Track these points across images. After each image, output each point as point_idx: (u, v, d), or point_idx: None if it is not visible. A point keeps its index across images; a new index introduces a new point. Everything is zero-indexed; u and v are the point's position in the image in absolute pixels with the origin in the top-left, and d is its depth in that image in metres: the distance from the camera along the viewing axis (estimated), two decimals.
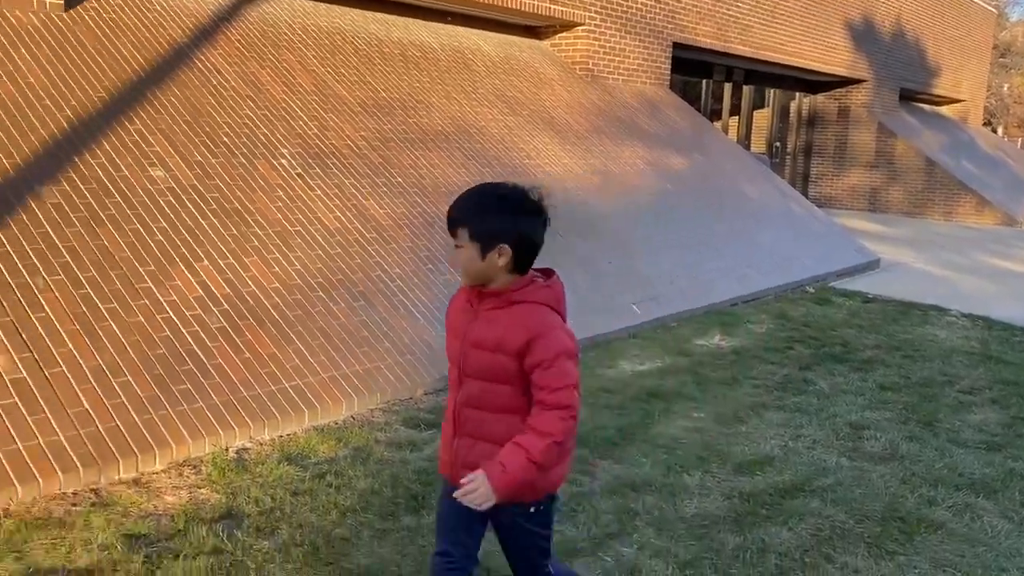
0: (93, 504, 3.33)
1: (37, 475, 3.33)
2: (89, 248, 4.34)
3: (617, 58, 10.81)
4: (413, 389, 4.82)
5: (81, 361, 3.82)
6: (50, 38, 5.49)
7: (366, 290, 5.25)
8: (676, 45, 11.88)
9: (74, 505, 3.31)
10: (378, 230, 5.81)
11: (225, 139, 5.65)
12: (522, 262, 2.08)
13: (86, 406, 3.66)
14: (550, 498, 2.21)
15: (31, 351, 3.73)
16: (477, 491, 1.98)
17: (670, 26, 11.65)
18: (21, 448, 3.38)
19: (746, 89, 16.62)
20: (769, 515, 3.61)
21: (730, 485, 3.90)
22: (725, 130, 16.40)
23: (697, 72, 14.83)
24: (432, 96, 7.86)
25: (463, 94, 8.28)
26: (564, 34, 10.47)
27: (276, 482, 3.62)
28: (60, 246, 4.26)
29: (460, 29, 9.50)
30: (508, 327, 2.05)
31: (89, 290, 4.15)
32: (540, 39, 10.66)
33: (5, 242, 4.10)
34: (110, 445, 3.58)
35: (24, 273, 4.02)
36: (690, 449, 4.30)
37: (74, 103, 5.14)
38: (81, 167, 4.78)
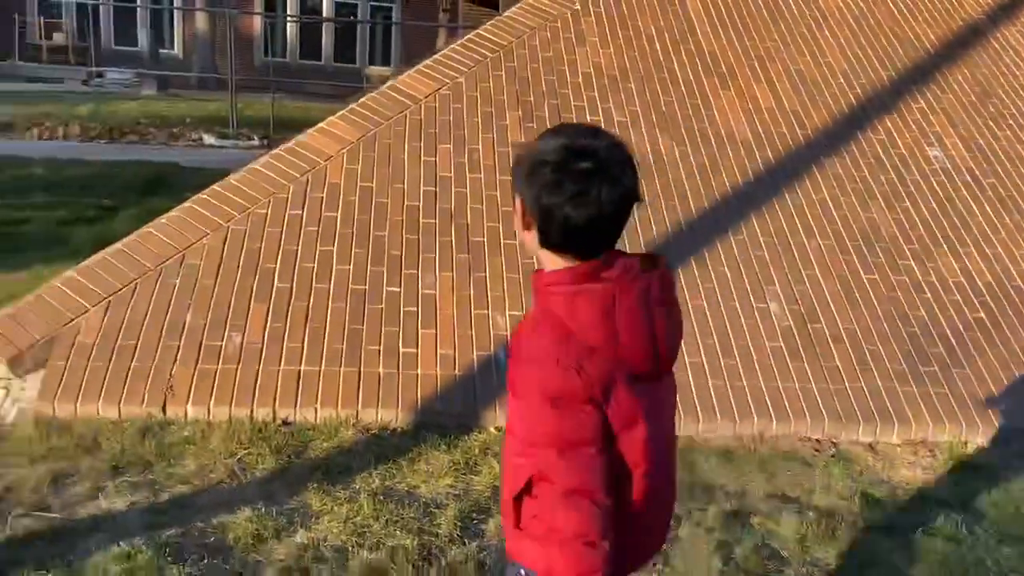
0: (833, 455, 3.58)
1: (791, 415, 3.71)
2: (859, 219, 4.57)
3: None
4: None
5: (839, 321, 4.08)
6: (850, 18, 5.83)
7: None
8: None
9: (816, 451, 3.61)
10: None
11: (1011, 121, 5.28)
12: (560, 244, 1.35)
13: (837, 363, 3.92)
14: None
15: (799, 304, 4.13)
16: None
17: None
18: (780, 388, 3.80)
19: None
20: None
21: None
22: None
23: None
24: None
25: None
26: None
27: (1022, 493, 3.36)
28: (834, 214, 4.57)
29: None
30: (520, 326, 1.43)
31: (854, 257, 4.38)
32: None
33: (790, 205, 4.58)
34: (853, 405, 3.78)
35: (801, 233, 4.45)
36: None
37: (864, 80, 5.39)
38: (862, 142, 5.01)
